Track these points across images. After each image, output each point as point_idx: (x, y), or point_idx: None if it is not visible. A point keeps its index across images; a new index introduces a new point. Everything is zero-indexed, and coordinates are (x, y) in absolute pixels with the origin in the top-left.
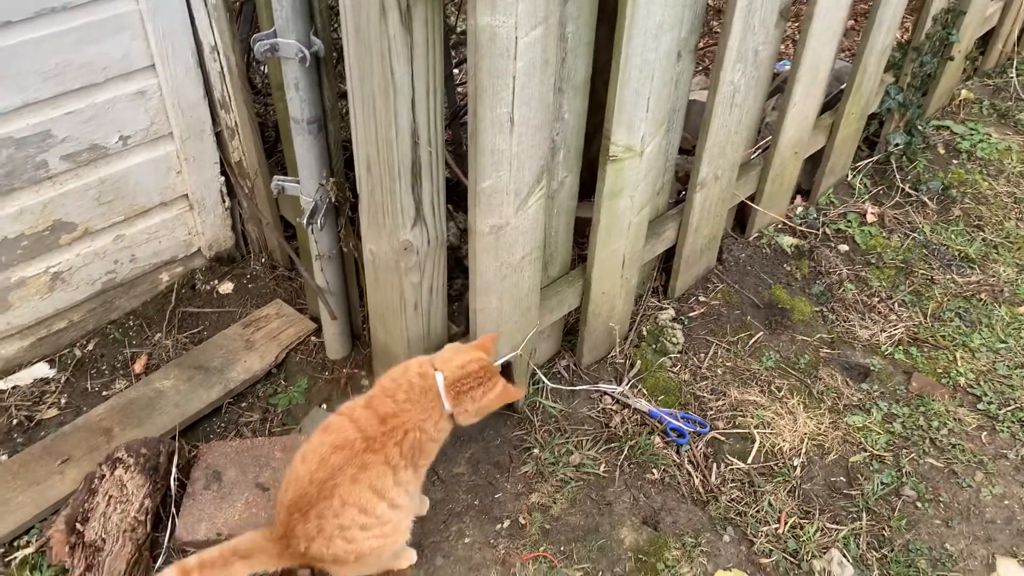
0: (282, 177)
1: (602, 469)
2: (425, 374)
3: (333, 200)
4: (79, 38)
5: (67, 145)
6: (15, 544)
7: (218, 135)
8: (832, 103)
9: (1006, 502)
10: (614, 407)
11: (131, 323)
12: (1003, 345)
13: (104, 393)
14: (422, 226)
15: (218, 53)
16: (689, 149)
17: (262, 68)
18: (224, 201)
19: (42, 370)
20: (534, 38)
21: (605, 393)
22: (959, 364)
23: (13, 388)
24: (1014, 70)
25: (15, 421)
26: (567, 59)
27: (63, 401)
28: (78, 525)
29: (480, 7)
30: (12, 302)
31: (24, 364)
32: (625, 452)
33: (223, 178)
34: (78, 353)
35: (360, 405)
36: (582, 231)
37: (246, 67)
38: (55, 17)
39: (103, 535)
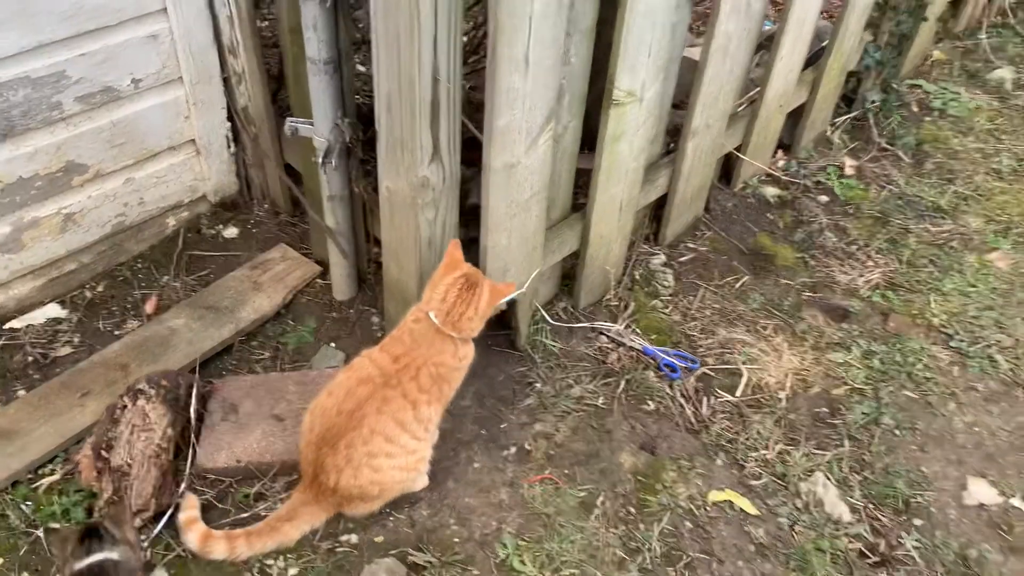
0: (295, 119)
1: (601, 401)
2: (420, 319)
3: (348, 140)
4: None
5: (81, 86)
6: (40, 472)
7: (225, 80)
8: (813, 60)
9: (976, 429)
10: (610, 345)
11: (139, 265)
12: (973, 289)
13: (116, 332)
14: (439, 163)
15: None
16: (677, 104)
17: (268, 14)
18: (230, 147)
19: (54, 310)
20: None
21: (602, 332)
22: (932, 306)
23: (27, 327)
24: (983, 33)
25: (30, 358)
26: (576, 3)
27: (76, 340)
28: (103, 452)
29: None
30: (25, 242)
31: (36, 304)
32: (622, 386)
33: (229, 124)
34: (88, 294)
35: (376, 350)
36: (578, 182)
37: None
38: None
39: (128, 461)
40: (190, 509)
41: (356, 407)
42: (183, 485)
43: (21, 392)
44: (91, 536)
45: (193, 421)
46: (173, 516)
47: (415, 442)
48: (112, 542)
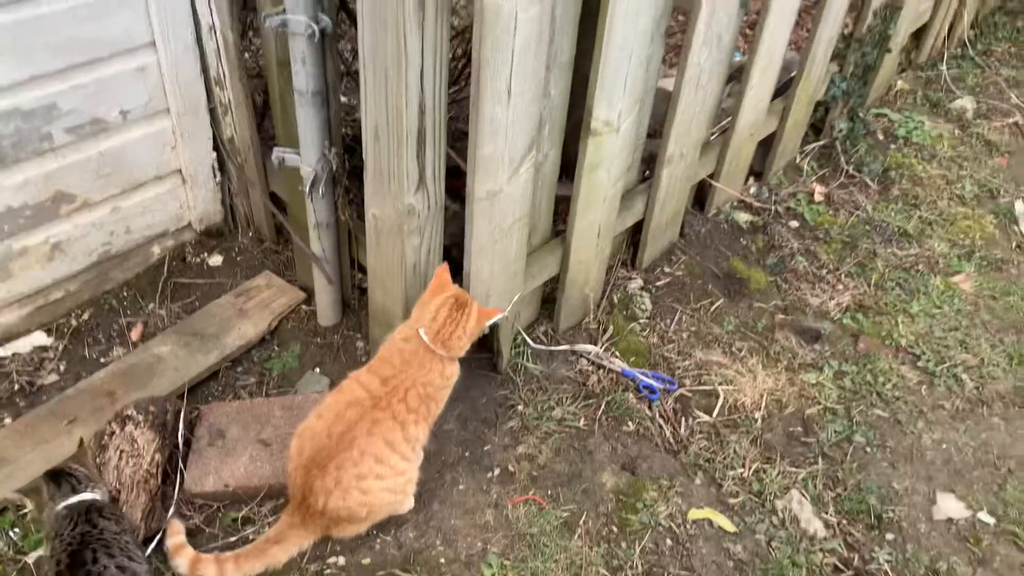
0: (282, 148)
1: (582, 423)
2: (409, 337)
3: (334, 169)
4: (86, 14)
5: (71, 118)
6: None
7: (212, 111)
8: (782, 90)
9: (944, 446)
10: (590, 368)
11: (125, 293)
12: (938, 311)
13: (102, 360)
14: (424, 191)
15: (215, 31)
16: (652, 133)
17: (253, 47)
18: (215, 176)
19: (40, 338)
20: (532, 15)
21: (582, 355)
22: (900, 327)
23: (13, 355)
24: (944, 64)
25: (16, 386)
26: (555, 39)
27: (62, 367)
28: None
29: None
30: (13, 271)
31: (22, 332)
32: (602, 407)
33: (215, 154)
34: (74, 322)
35: (363, 371)
36: (557, 208)
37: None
38: None
39: (118, 486)
40: (176, 535)
41: (346, 429)
42: (171, 510)
43: (7, 420)
44: (66, 477)
45: (180, 446)
46: (162, 541)
47: (404, 463)
48: (87, 481)
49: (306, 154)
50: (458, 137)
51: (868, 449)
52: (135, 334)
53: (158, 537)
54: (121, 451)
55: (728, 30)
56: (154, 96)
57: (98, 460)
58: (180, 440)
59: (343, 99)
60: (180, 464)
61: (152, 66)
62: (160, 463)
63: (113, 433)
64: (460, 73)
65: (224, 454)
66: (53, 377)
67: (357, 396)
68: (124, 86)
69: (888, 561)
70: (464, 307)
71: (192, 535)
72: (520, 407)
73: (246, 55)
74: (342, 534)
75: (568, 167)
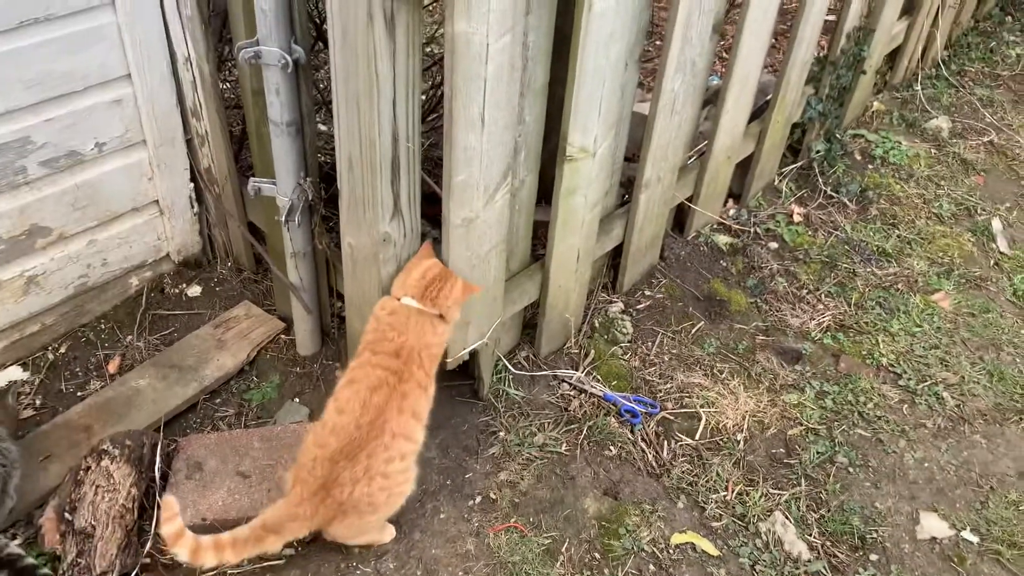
0: (258, 179)
1: (564, 448)
2: (395, 309)
3: (310, 198)
4: (60, 48)
5: (46, 151)
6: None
7: (188, 142)
8: (758, 113)
9: (926, 465)
10: (572, 392)
11: (102, 326)
12: (918, 329)
13: (79, 394)
14: (399, 219)
15: (191, 63)
16: (631, 157)
17: (231, 77)
18: (193, 207)
19: (15, 373)
20: (503, 44)
21: (563, 380)
22: (881, 346)
23: None
24: (919, 84)
25: None
26: (528, 67)
27: (38, 402)
28: (67, 514)
29: (457, 15)
30: None
31: None
32: (584, 432)
33: (192, 184)
34: (51, 356)
35: (365, 357)
36: (536, 233)
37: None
38: (38, 28)
39: (93, 522)
40: (172, 521)
41: (376, 415)
42: (148, 545)
43: None
44: None
45: (158, 480)
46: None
47: (423, 431)
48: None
49: (282, 184)
50: (437, 163)
51: (851, 469)
52: (112, 367)
53: (135, 571)
54: (97, 486)
55: (702, 56)
56: (130, 128)
57: (73, 496)
58: (157, 474)
59: (322, 127)
60: (157, 498)
61: (128, 98)
62: (136, 497)
63: (89, 468)
64: (439, 102)
65: (202, 487)
66: (28, 412)
67: (379, 377)
68: (100, 118)
69: None
70: (448, 275)
71: (169, 570)
72: (502, 433)
73: (225, 85)
74: (342, 529)
75: (547, 192)
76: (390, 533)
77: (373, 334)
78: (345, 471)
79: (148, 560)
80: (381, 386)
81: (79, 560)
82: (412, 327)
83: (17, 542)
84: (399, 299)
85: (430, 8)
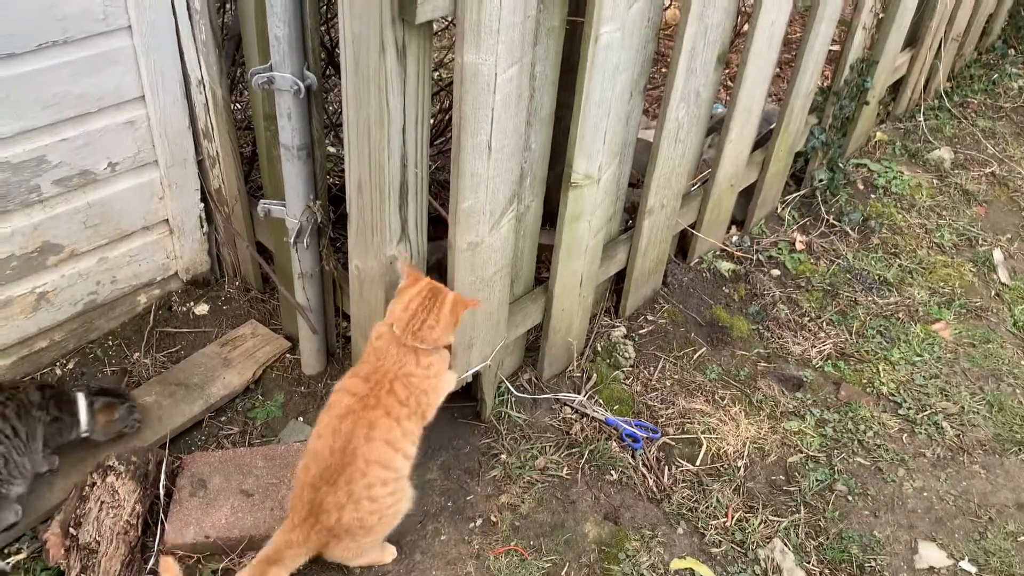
0: (268, 200)
1: (565, 472)
2: (381, 334)
3: (319, 221)
4: (77, 70)
5: (60, 170)
6: (6, 551)
7: (200, 163)
8: (762, 142)
9: (925, 494)
10: (573, 416)
11: (110, 343)
12: (919, 358)
13: None
14: (407, 242)
15: (204, 86)
16: (635, 183)
17: (243, 99)
18: (202, 226)
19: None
20: (511, 75)
21: (565, 403)
22: (881, 375)
23: None
24: (921, 115)
25: None
26: (535, 95)
27: None
28: (71, 529)
29: (466, 46)
30: None
31: None
32: (585, 456)
33: (202, 204)
34: (59, 371)
35: (346, 378)
36: (540, 256)
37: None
38: (56, 50)
39: (97, 538)
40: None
41: (345, 442)
42: (151, 561)
43: None
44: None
45: (162, 497)
46: None
47: (406, 462)
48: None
49: (291, 206)
50: (442, 186)
51: (850, 497)
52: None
53: None
54: (102, 502)
55: (706, 87)
56: (142, 148)
57: (78, 511)
58: (162, 491)
59: (331, 149)
60: (161, 515)
61: (141, 119)
62: (141, 514)
63: (94, 484)
64: (447, 127)
65: (206, 505)
66: None
67: (347, 404)
68: (113, 139)
69: None
70: (438, 295)
71: None
72: (503, 456)
73: (236, 108)
74: (340, 550)
75: (552, 216)
76: (391, 553)
77: (363, 355)
78: (328, 496)
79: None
80: (348, 414)
81: (83, 575)
82: (392, 354)
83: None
84: (391, 325)
85: (439, 33)
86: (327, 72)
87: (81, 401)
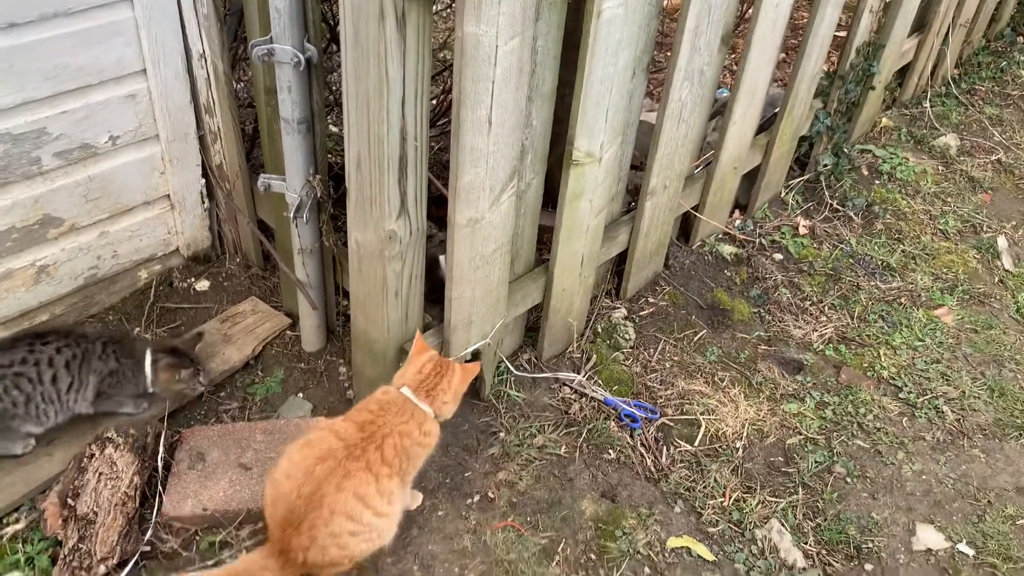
0: (268, 175)
1: (563, 450)
2: (388, 391)
3: (319, 195)
4: (78, 41)
5: (60, 143)
6: (4, 521)
7: (201, 138)
8: (767, 126)
9: (924, 477)
10: (572, 396)
11: (111, 317)
12: (920, 343)
13: None
14: (406, 217)
15: (205, 60)
16: (638, 165)
17: (246, 76)
18: (203, 202)
19: None
20: (511, 47)
21: (564, 383)
22: (882, 359)
23: None
24: (928, 102)
25: None
26: (537, 71)
27: None
28: (69, 500)
29: (467, 17)
30: None
31: None
32: (584, 435)
33: (203, 180)
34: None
35: (340, 420)
36: (541, 237)
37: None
38: (57, 21)
39: (95, 509)
40: None
41: (315, 488)
42: (149, 533)
43: None
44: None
45: (160, 469)
46: (138, 563)
47: (378, 519)
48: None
49: (291, 180)
50: (446, 167)
51: (848, 479)
52: None
53: (135, 558)
54: (100, 473)
55: (710, 66)
56: (144, 122)
57: (76, 482)
58: (160, 463)
59: (333, 128)
60: (159, 487)
61: (142, 93)
62: (139, 486)
63: (93, 455)
64: (450, 107)
65: (204, 478)
66: None
67: (330, 447)
68: (114, 112)
69: None
70: (448, 365)
71: (169, 558)
72: (502, 434)
73: (239, 84)
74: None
75: (553, 196)
76: (417, 499)
77: (363, 403)
78: (293, 538)
79: (149, 548)
80: (328, 457)
81: (80, 546)
82: (394, 411)
83: None
84: (400, 387)
85: (443, 14)
86: (328, 48)
87: (148, 357)
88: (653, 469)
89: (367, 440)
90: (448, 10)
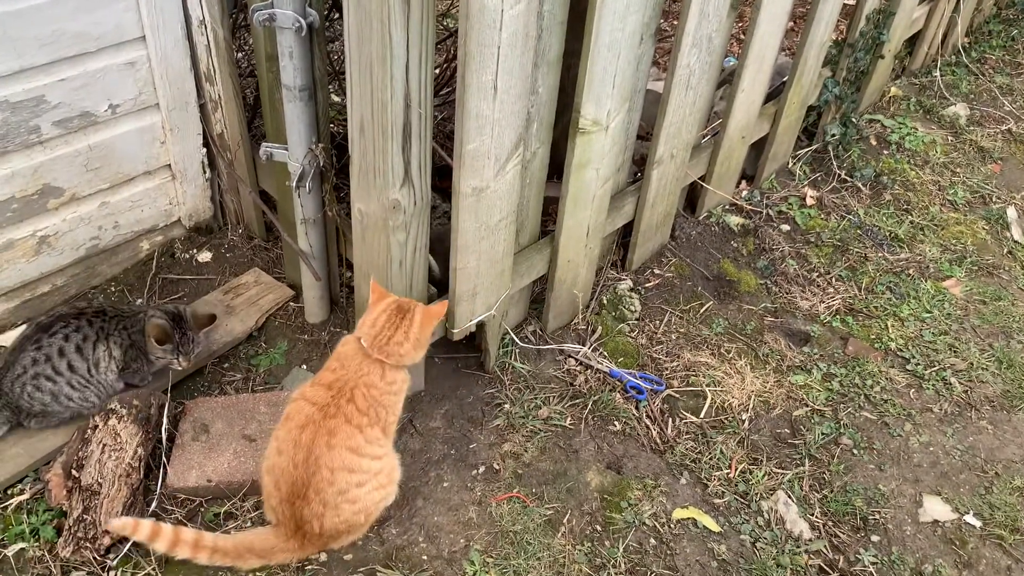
0: (270, 144)
1: (568, 422)
2: (348, 342)
3: (321, 164)
4: (76, 7)
5: (59, 111)
6: (9, 492)
7: (202, 107)
8: (775, 95)
9: (931, 448)
10: (578, 368)
11: (112, 289)
12: (928, 315)
13: None
14: (410, 186)
15: (205, 27)
16: (644, 136)
17: (248, 45)
18: (205, 172)
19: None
20: (518, 11)
21: (570, 355)
22: (890, 331)
23: None
24: (938, 71)
25: None
26: (543, 36)
27: None
28: (74, 471)
29: None
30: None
31: (7, 326)
32: (589, 407)
33: (205, 149)
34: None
35: (307, 386)
36: (547, 209)
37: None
38: None
39: (99, 479)
40: (140, 526)
41: (307, 454)
42: (153, 504)
43: None
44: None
45: (164, 441)
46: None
47: (377, 462)
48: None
49: (293, 149)
50: (449, 136)
51: (855, 451)
52: None
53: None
54: (104, 445)
55: (719, 32)
56: (144, 90)
57: (80, 453)
58: (164, 434)
59: (335, 99)
60: (163, 459)
61: (142, 60)
62: (143, 457)
63: (96, 427)
64: (454, 75)
65: (208, 449)
66: None
67: (307, 414)
68: (113, 80)
69: (873, 563)
70: (407, 312)
71: None
72: (507, 406)
73: (240, 54)
74: (342, 544)
75: (559, 169)
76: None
77: (327, 363)
78: (304, 509)
79: (153, 519)
80: (308, 424)
81: (85, 516)
82: (354, 364)
83: None
84: (359, 338)
85: None
86: (331, 15)
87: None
88: (659, 441)
89: (337, 396)
90: None
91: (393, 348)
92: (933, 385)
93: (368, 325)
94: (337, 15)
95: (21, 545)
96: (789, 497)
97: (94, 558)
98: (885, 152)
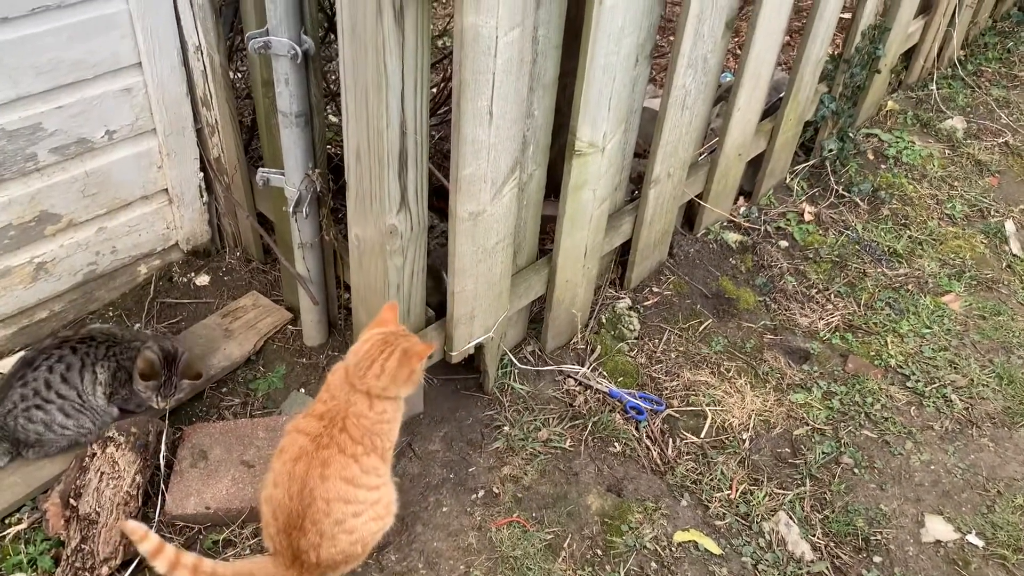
0: (267, 169)
1: (568, 444)
2: (336, 370)
3: (318, 190)
4: (72, 35)
5: (56, 138)
6: (7, 521)
7: (199, 132)
8: (771, 111)
9: (932, 467)
10: (577, 388)
11: (111, 313)
12: (928, 330)
13: None
14: (406, 212)
15: (202, 53)
16: (641, 153)
17: (241, 68)
18: (202, 196)
19: None
20: (512, 38)
21: (569, 375)
22: (890, 347)
23: None
24: (934, 84)
25: None
26: (538, 60)
27: None
28: (71, 500)
29: (466, 7)
30: None
31: (5, 353)
32: (589, 428)
33: (202, 174)
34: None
35: (300, 418)
36: (544, 228)
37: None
38: (50, 15)
39: (97, 508)
40: (145, 539)
41: (302, 486)
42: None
43: None
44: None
45: (162, 468)
46: (141, 563)
47: (373, 492)
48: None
49: (290, 175)
50: (447, 157)
51: (856, 470)
52: None
53: (137, 560)
54: (102, 473)
55: (714, 52)
56: (140, 116)
57: (78, 482)
58: (162, 462)
59: (332, 119)
60: (162, 486)
61: (138, 87)
62: (141, 485)
63: (94, 455)
64: (449, 94)
65: (206, 476)
66: None
67: (300, 445)
68: (110, 106)
69: None
70: (389, 345)
71: None
72: (506, 428)
73: (237, 76)
74: (341, 574)
75: (556, 187)
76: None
77: (318, 397)
78: (301, 539)
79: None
80: (301, 455)
81: (83, 546)
82: (343, 394)
83: None
84: (347, 368)
85: (443, 0)
86: (326, 39)
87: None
88: (659, 462)
89: (329, 426)
90: None
91: (371, 381)
92: (934, 402)
93: (353, 353)
94: (333, 37)
95: (19, 575)
96: (790, 518)
97: None
98: (883, 167)
